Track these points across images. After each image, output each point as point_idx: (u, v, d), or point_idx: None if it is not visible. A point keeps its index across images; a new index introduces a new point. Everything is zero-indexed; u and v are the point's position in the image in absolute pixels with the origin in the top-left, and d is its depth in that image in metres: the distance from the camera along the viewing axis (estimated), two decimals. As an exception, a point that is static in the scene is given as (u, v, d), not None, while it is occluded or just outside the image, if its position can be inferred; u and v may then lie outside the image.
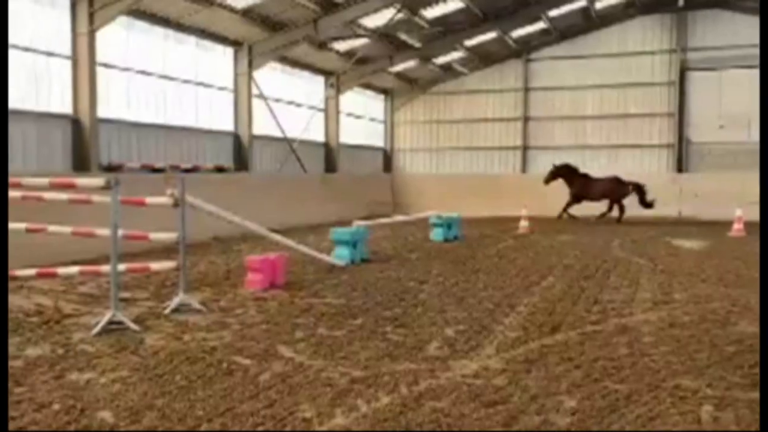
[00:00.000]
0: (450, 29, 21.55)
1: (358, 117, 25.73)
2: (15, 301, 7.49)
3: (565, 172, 20.19)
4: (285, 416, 4.14)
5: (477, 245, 13.72)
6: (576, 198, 20.15)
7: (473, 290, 8.55)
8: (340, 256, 10.70)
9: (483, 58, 25.35)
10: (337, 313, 7.10)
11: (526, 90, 25.60)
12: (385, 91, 27.00)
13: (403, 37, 20.43)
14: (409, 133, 27.68)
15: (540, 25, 23.34)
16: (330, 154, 23.44)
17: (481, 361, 5.37)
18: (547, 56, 25.28)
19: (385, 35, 20.31)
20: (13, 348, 5.64)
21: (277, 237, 9.95)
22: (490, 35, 22.84)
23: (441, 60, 24.53)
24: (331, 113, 23.28)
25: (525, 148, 25.81)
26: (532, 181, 24.19)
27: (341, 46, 20.87)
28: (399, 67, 23.89)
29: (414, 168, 27.40)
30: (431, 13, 19.96)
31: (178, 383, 4.76)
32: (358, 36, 20.01)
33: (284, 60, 20.04)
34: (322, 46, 20.30)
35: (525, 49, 25.19)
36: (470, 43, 23.15)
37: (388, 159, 27.81)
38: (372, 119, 26.89)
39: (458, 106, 26.66)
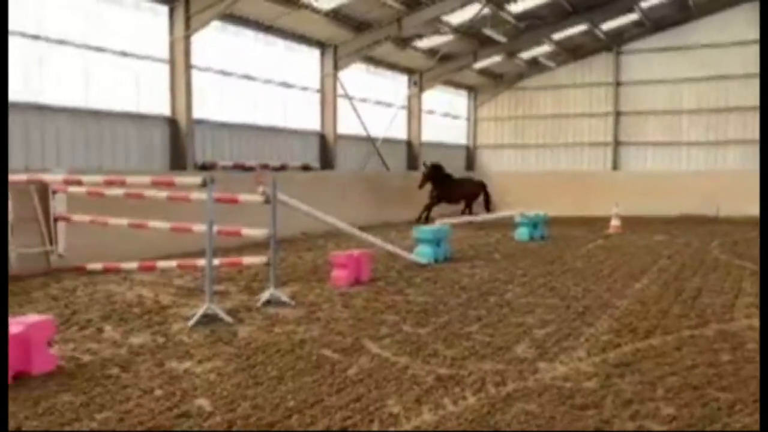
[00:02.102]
0: (537, 23, 21.07)
1: (441, 114, 25.62)
2: (119, 292, 7.96)
3: (435, 173, 18.58)
4: (372, 411, 4.19)
5: (565, 245, 13.35)
6: (438, 199, 18.55)
7: (561, 291, 8.32)
8: (423, 254, 10.70)
9: (571, 52, 24.62)
10: (422, 311, 7.11)
11: (617, 84, 24.63)
12: (468, 88, 26.74)
13: (488, 32, 20.14)
14: (492, 130, 27.29)
15: (632, 17, 22.39)
16: (412, 152, 23.48)
17: (571, 364, 5.23)
18: (640, 48, 24.22)
19: (469, 31, 20.11)
20: (118, 336, 6.00)
21: (361, 234, 10.09)
22: (579, 28, 22.14)
23: (527, 55, 24.02)
24: (413, 111, 23.32)
25: (616, 144, 24.86)
26: (624, 178, 23.30)
27: (424, 43, 20.84)
28: (483, 63, 23.59)
29: (498, 165, 26.97)
30: (517, 7, 19.58)
31: (269, 374, 4.91)
32: (441, 33, 19.92)
33: (368, 59, 20.24)
34: (406, 44, 20.35)
35: (616, 41, 24.24)
36: (558, 36, 22.54)
37: (471, 156, 27.54)
38: (455, 116, 26.70)
39: (545, 102, 26.02)
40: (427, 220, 17.28)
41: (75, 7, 12.08)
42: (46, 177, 9.25)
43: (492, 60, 23.47)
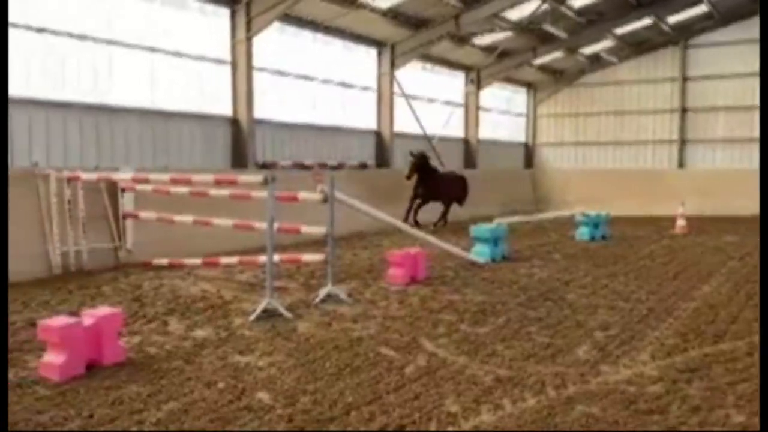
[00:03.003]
0: (599, 18, 20.53)
1: (499, 112, 25.32)
2: (184, 287, 8.21)
3: (423, 164, 15.53)
4: (431, 409, 4.19)
5: (627, 245, 12.97)
6: (427, 198, 15.58)
7: (624, 293, 8.09)
8: (480, 253, 10.60)
9: (635, 47, 23.88)
10: (479, 311, 7.05)
11: (684, 79, 23.74)
12: (527, 85, 26.31)
13: (548, 28, 19.75)
14: (552, 127, 26.76)
15: (701, 9, 21.52)
16: (469, 150, 23.29)
17: (635, 368, 5.08)
18: (709, 42, 23.25)
19: (528, 27, 19.78)
20: (183, 329, 6.19)
21: (417, 232, 10.08)
22: (644, 22, 21.44)
23: (588, 50, 23.44)
24: (470, 108, 23.12)
25: (682, 142, 23.96)
26: (691, 176, 22.46)
27: (482, 40, 20.63)
28: (543, 60, 23.16)
29: (557, 163, 26.45)
30: (578, 2, 19.13)
31: (328, 370, 4.97)
32: (500, 30, 19.68)
33: (425, 57, 20.19)
34: (463, 41, 20.20)
35: (683, 35, 23.35)
36: (621, 31, 21.89)
37: (529, 154, 27.10)
38: (513, 114, 26.33)
39: (607, 98, 25.33)
40: (416, 222, 14.60)
41: (142, 12, 12.52)
42: (116, 176, 9.63)
43: (552, 56, 23.01)
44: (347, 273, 9.34)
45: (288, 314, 6.67)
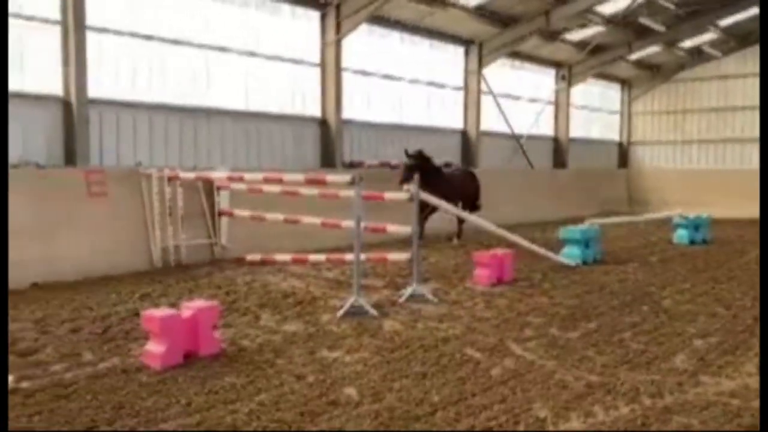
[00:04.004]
0: (700, 9, 19.42)
1: (591, 109, 24.48)
2: (275, 282, 8.48)
3: (422, 164, 12.31)
4: (518, 413, 4.11)
5: (731, 250, 12.20)
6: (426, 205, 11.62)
7: (726, 300, 7.62)
8: (570, 255, 10.29)
9: (740, 39, 22.39)
10: (569, 315, 6.85)
11: (796, 72, 22.02)
12: (621, 81, 25.28)
13: (645, 21, 18.89)
14: (648, 125, 25.57)
15: (817, -5, 19.91)
16: (559, 149, 22.67)
17: (738, 379, 4.77)
18: (826, 30, 21.45)
19: (623, 21, 19.00)
20: (273, 323, 6.39)
21: (504, 233, 9.90)
22: (751, 12, 20.08)
23: (688, 44, 22.23)
24: (561, 106, 22.49)
25: (793, 140, 22.25)
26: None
27: (574, 36, 20.01)
28: (638, 54, 22.18)
29: (654, 162, 25.24)
30: (678, -7, 18.20)
31: (413, 369, 4.99)
32: (593, 24, 19.02)
33: (514, 54, 19.82)
34: (554, 37, 19.67)
35: (795, 24, 21.69)
36: (725, 23, 20.61)
37: (623, 153, 26.03)
38: (606, 111, 25.38)
39: (708, 94, 23.91)
40: (421, 234, 11.07)
41: (238, 17, 13.03)
42: (212, 175, 10.07)
43: (649, 51, 21.99)
44: (432, 273, 9.33)
45: (374, 312, 6.74)
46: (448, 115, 18.43)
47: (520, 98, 21.07)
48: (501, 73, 19.89)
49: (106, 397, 4.32)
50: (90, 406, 4.18)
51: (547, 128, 22.42)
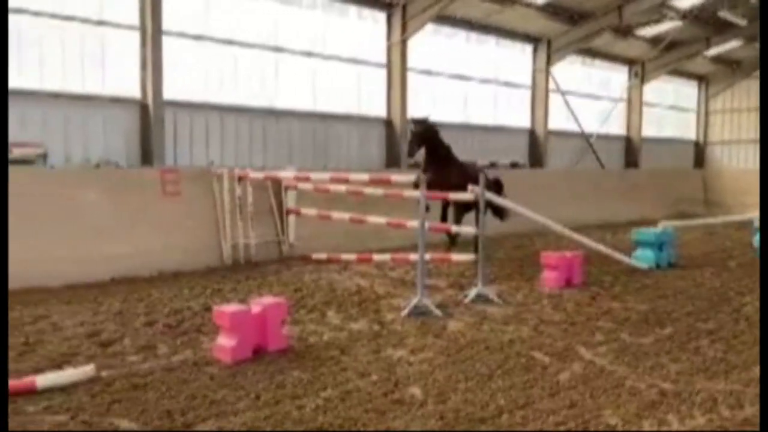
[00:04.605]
0: (786, 0, 18.36)
1: (665, 107, 23.57)
2: (340, 281, 8.57)
3: (430, 136, 10.11)
4: (588, 419, 4.00)
5: (818, 254, 11.46)
6: (433, 186, 9.11)
7: (814, 307, 7.17)
8: (642, 258, 9.93)
9: (831, 31, 21.05)
10: (642, 320, 6.61)
11: None
12: (698, 78, 24.24)
13: (724, 15, 18.04)
14: (727, 123, 24.40)
15: None
16: (631, 148, 21.96)
17: (828, 393, 4.48)
18: None
19: (700, 16, 18.21)
20: (339, 321, 6.47)
21: (573, 234, 9.66)
22: (843, 2, 18.84)
23: (772, 37, 21.07)
24: (633, 104, 21.78)
25: None
26: None
27: (647, 31, 19.33)
28: (717, 50, 21.21)
29: (733, 163, 24.06)
30: (761, -17, 17.27)
31: (479, 370, 4.93)
32: (668, 19, 18.31)
33: (583, 52, 19.33)
34: (626, 33, 19.07)
35: None
36: (814, 13, 19.42)
37: (699, 152, 24.95)
38: (681, 109, 24.39)
39: (794, 90, 22.59)
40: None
41: (305, 19, 13.26)
42: (281, 174, 10.29)
43: (728, 46, 21.00)
44: (498, 274, 9.21)
45: (438, 312, 6.71)
46: (515, 114, 18.17)
47: (590, 96, 20.53)
48: (570, 71, 19.45)
49: (180, 389, 4.48)
50: (165, 396, 4.34)
51: (618, 127, 21.76)
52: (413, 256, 8.21)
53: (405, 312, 6.69)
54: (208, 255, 9.59)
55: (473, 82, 16.89)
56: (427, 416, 4.05)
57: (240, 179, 10.08)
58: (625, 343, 5.74)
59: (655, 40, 19.84)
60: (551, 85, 18.46)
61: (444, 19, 15.45)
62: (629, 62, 21.35)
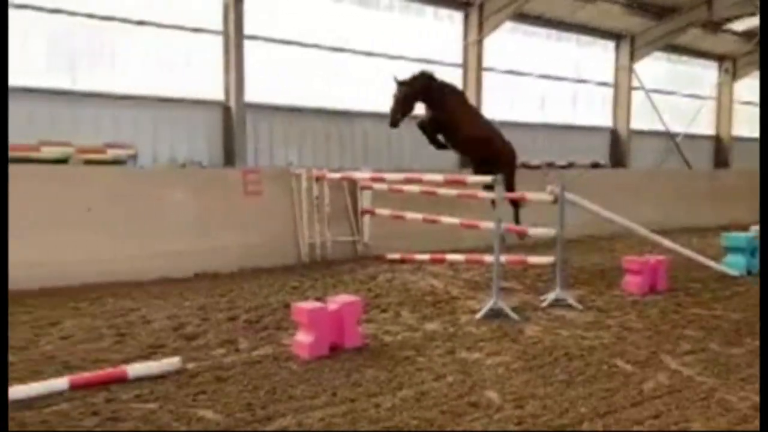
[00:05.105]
0: None
1: (759, 105, 22.25)
2: (414, 281, 8.58)
3: (423, 89, 9.08)
4: (674, 431, 3.83)
5: None
6: (433, 127, 9.37)
7: None
8: (733, 264, 9.41)
9: None
10: (732, 329, 6.27)
11: None
12: (796, 73, 22.74)
13: (827, 5, 16.83)
14: (828, 122, 22.75)
15: None
16: (720, 148, 20.89)
17: None
18: None
19: (801, 6, 17.07)
20: (414, 321, 6.47)
21: (658, 238, 9.27)
22: None
23: None
24: (723, 102, 20.70)
25: None
26: None
27: (740, 25, 18.34)
28: (818, 43, 19.82)
29: (835, 164, 22.41)
30: None
31: (557, 377, 4.82)
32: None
33: (669, 48, 18.53)
34: (716, 28, 18.16)
35: None
36: None
37: (797, 153, 23.39)
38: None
39: None
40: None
41: (382, 21, 13.36)
42: (356, 175, 10.41)
43: (831, 38, 19.59)
44: (577, 278, 8.96)
45: (514, 316, 6.60)
46: (596, 113, 17.65)
47: (676, 94, 19.67)
48: (655, 68, 18.70)
49: (260, 383, 4.61)
50: (246, 390, 4.48)
51: (706, 126, 20.74)
52: (488, 258, 8.12)
53: (480, 314, 6.62)
54: (286, 253, 9.82)
55: (552, 81, 16.53)
56: (505, 421, 3.99)
57: (317, 179, 10.27)
58: (714, 353, 5.46)
59: (748, 35, 18.78)
60: (634, 83, 17.80)
61: (522, 17, 15.20)
62: (719, 58, 20.31)
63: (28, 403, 4.15)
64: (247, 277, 8.67)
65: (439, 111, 9.10)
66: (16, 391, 4.21)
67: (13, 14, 10.14)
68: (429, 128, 9.47)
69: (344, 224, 10.66)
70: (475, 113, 9.94)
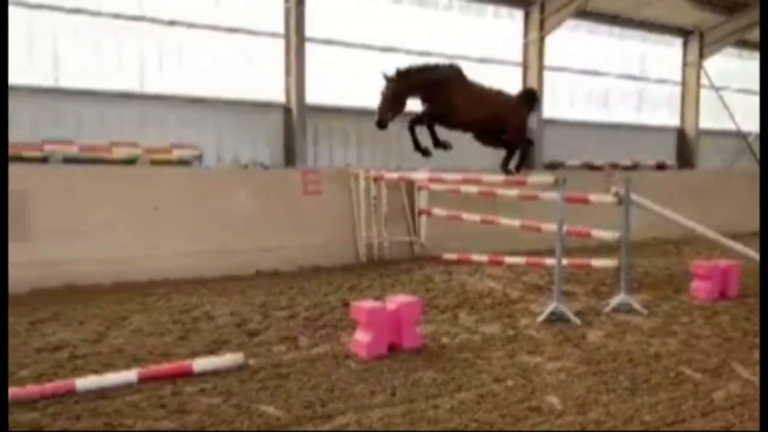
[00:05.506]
0: None
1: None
2: (471, 282, 8.52)
3: (420, 83, 8.39)
4: (748, 445, 3.67)
5: None
6: (434, 116, 8.75)
7: None
8: (811, 270, 8.92)
9: None
10: (811, 338, 5.94)
11: None
12: None
13: None
14: None
15: None
16: (797, 149, 19.82)
17: None
18: None
19: None
20: (471, 323, 6.42)
21: (728, 242, 8.88)
22: None
23: None
24: (801, 100, 19.64)
25: None
26: None
27: (820, 18, 17.36)
28: None
29: None
30: None
31: (621, 383, 4.68)
32: None
33: (740, 43, 17.74)
34: (794, 21, 17.24)
35: None
36: None
37: None
38: None
39: None
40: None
41: (440, 21, 13.32)
42: (414, 175, 10.41)
43: None
44: (641, 282, 8.69)
45: (576, 320, 6.46)
46: (662, 112, 17.07)
47: (748, 92, 18.81)
48: (725, 65, 17.94)
49: (320, 380, 4.67)
50: (306, 387, 4.55)
51: (781, 125, 19.74)
52: (549, 261, 7.97)
53: (541, 318, 6.51)
54: (345, 252, 9.91)
55: (616, 79, 16.09)
56: (567, 427, 3.91)
57: (375, 180, 10.32)
58: (791, 364, 5.19)
59: (829, 28, 17.78)
60: (703, 81, 17.13)
61: (584, 14, 14.86)
62: (797, 53, 19.31)
63: (102, 393, 4.34)
64: (306, 275, 8.80)
65: (436, 104, 8.29)
66: (90, 382, 4.41)
67: (85, 21, 10.63)
68: (427, 122, 8.69)
69: (401, 224, 10.68)
70: (477, 93, 8.84)
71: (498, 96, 9.17)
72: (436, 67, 8.31)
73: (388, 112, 7.91)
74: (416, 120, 8.73)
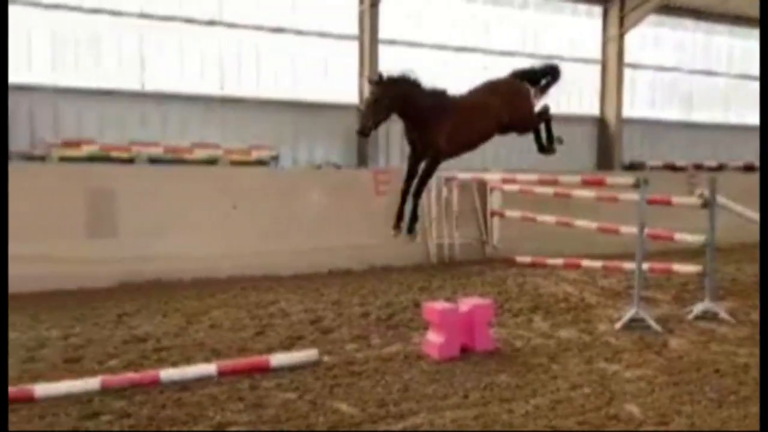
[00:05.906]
0: None
1: None
2: (546, 286, 8.34)
3: (401, 94, 6.64)
4: None
5: None
6: (438, 156, 7.14)
7: None
8: None
9: None
10: None
11: None
12: None
13: None
14: None
15: None
16: None
17: None
18: None
19: None
20: (546, 327, 6.29)
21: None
22: None
23: None
24: None
25: None
26: None
27: None
28: None
29: None
30: None
31: (707, 394, 4.47)
32: None
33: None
34: None
35: None
36: None
37: None
38: None
39: None
40: (407, 222, 7.45)
41: (516, 19, 13.11)
42: (486, 176, 10.29)
43: None
44: (728, 289, 8.27)
45: (657, 327, 6.21)
46: (752, 110, 16.16)
47: None
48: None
49: (392, 379, 4.69)
50: (379, 385, 4.58)
51: None
52: (628, 265, 7.70)
53: (619, 324, 6.30)
54: (416, 252, 9.91)
55: (701, 76, 15.37)
56: (647, 437, 3.78)
57: (447, 180, 10.27)
58: None
59: None
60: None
61: (667, 9, 14.27)
62: None
63: (184, 385, 4.52)
64: (378, 274, 8.87)
65: (419, 130, 7.03)
66: (174, 374, 4.61)
67: (169, 27, 11.11)
68: (438, 162, 7.24)
69: (473, 225, 10.58)
70: (467, 107, 7.26)
71: (488, 93, 7.53)
72: (423, 90, 6.85)
73: (369, 121, 6.72)
74: (421, 180, 7.32)
